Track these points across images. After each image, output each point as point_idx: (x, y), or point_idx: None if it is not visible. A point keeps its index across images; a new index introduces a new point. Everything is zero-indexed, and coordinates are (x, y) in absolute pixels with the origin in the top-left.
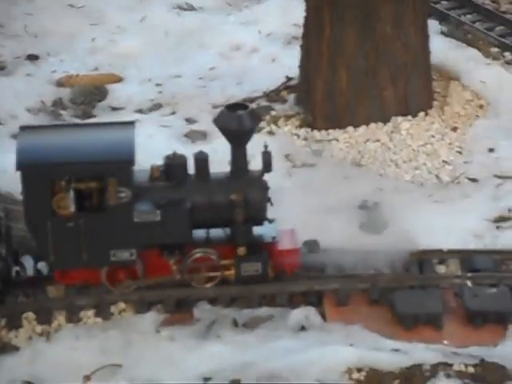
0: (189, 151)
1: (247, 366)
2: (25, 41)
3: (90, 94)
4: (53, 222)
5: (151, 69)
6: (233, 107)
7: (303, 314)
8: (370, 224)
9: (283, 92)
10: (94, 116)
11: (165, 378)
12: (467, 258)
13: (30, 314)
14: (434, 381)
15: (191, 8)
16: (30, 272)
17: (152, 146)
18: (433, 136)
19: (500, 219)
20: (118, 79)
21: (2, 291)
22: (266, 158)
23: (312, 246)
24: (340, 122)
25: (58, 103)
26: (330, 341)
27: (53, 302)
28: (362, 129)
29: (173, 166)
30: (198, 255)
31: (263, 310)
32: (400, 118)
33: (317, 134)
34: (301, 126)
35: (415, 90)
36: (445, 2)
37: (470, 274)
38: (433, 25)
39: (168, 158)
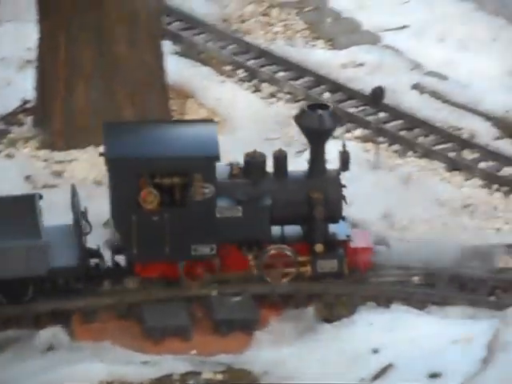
0: None
1: None
2: None
3: None
4: (138, 216)
5: None
6: (314, 106)
7: (50, 333)
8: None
9: (20, 115)
10: None
11: None
12: None
13: None
14: None
15: None
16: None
17: None
18: None
19: None
20: None
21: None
22: (345, 157)
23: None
24: (80, 143)
25: None
26: (79, 359)
27: None
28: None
29: (252, 163)
30: (274, 251)
31: (10, 333)
32: None
33: (57, 154)
34: (40, 148)
35: (153, 108)
36: (177, 23)
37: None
38: (167, 45)
39: (248, 155)
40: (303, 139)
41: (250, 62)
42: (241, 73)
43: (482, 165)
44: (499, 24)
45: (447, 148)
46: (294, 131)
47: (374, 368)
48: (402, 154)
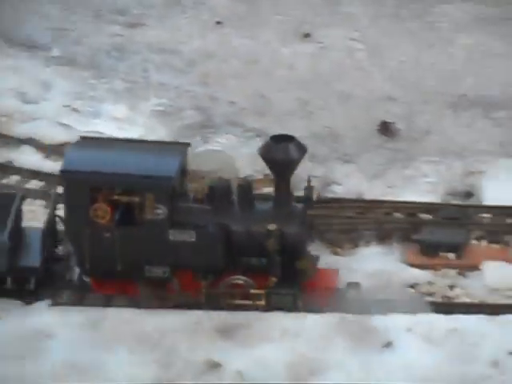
0: None
1: None
2: None
3: None
4: (90, 230)
5: None
6: (278, 138)
7: None
8: None
9: None
10: None
11: None
12: None
13: None
14: None
15: None
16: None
17: None
18: None
19: None
20: None
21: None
22: (309, 192)
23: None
24: None
25: None
26: None
27: None
28: None
29: (216, 190)
30: (231, 282)
31: None
32: None
33: None
34: None
35: None
36: None
37: None
38: None
39: (213, 181)
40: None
41: None
42: None
43: None
44: None
45: None
46: None
47: None
48: None
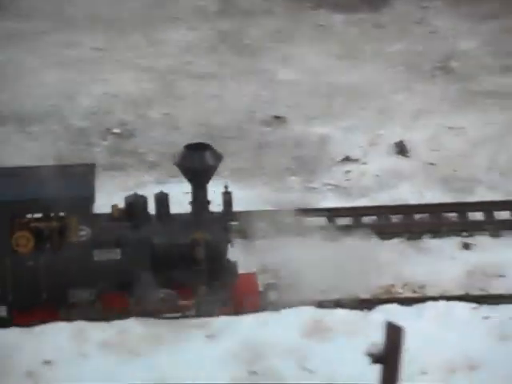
0: None
1: None
2: None
3: None
4: (12, 260)
5: None
6: (192, 147)
7: None
8: None
9: None
10: None
11: None
12: None
13: None
14: None
15: None
16: None
17: None
18: None
19: None
20: None
21: None
22: (227, 198)
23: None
24: None
25: None
26: None
27: None
28: None
29: (133, 205)
30: (157, 296)
31: None
32: None
33: None
34: None
35: None
36: None
37: None
38: None
39: (128, 198)
40: None
41: None
42: None
43: None
44: None
45: None
46: None
47: None
48: None
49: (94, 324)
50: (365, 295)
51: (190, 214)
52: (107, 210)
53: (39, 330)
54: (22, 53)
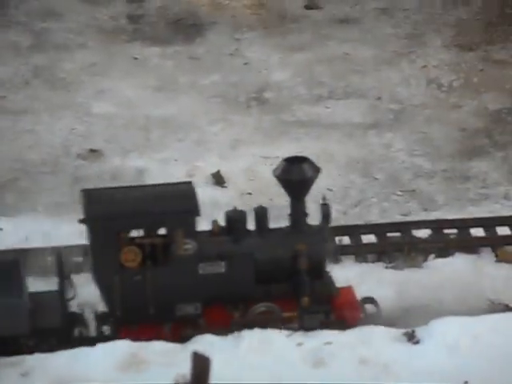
0: None
1: None
2: None
3: None
4: (120, 276)
5: None
6: (291, 160)
7: None
8: None
9: None
10: None
11: None
12: None
13: None
14: None
15: None
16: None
17: None
18: None
19: None
20: None
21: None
22: (325, 210)
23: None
24: None
25: None
26: None
27: None
28: None
29: (233, 220)
30: (261, 309)
31: None
32: None
33: None
34: None
35: None
36: None
37: None
38: None
39: (228, 213)
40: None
41: None
42: None
43: None
44: None
45: None
46: None
47: None
48: None
49: None
50: None
51: (289, 226)
52: None
53: None
54: None
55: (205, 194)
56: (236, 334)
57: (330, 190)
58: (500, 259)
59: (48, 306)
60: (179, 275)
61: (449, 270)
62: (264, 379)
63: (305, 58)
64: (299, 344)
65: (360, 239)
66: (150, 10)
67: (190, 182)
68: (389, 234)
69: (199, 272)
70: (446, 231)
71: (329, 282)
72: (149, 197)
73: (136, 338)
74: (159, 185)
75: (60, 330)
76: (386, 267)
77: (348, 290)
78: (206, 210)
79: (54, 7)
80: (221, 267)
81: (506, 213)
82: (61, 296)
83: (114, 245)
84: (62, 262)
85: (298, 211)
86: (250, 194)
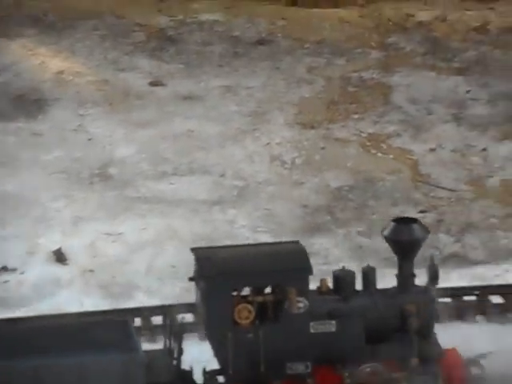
0: None
1: None
2: None
3: None
4: (234, 333)
5: None
6: (400, 220)
7: None
8: None
9: None
10: None
11: None
12: None
13: None
14: None
15: None
16: None
17: None
18: None
19: None
20: None
21: None
22: (433, 270)
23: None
24: None
25: None
26: None
27: None
28: None
29: (342, 279)
30: (369, 369)
31: None
32: None
33: None
34: None
35: None
36: None
37: None
38: None
39: (336, 272)
40: None
41: None
42: None
43: None
44: None
45: None
46: None
47: None
48: None
49: None
50: None
51: (397, 286)
52: None
53: None
54: None
55: (46, 271)
56: None
57: (174, 267)
58: None
59: (160, 363)
60: (291, 333)
61: None
62: None
63: (149, 134)
64: None
65: None
66: None
67: (297, 241)
68: None
69: (310, 331)
70: None
71: (436, 343)
72: (261, 255)
73: None
74: (268, 244)
75: None
76: None
77: (453, 351)
78: (48, 288)
79: None
80: (332, 326)
81: None
82: (172, 353)
83: (228, 302)
84: (174, 319)
85: (406, 272)
86: (91, 271)
